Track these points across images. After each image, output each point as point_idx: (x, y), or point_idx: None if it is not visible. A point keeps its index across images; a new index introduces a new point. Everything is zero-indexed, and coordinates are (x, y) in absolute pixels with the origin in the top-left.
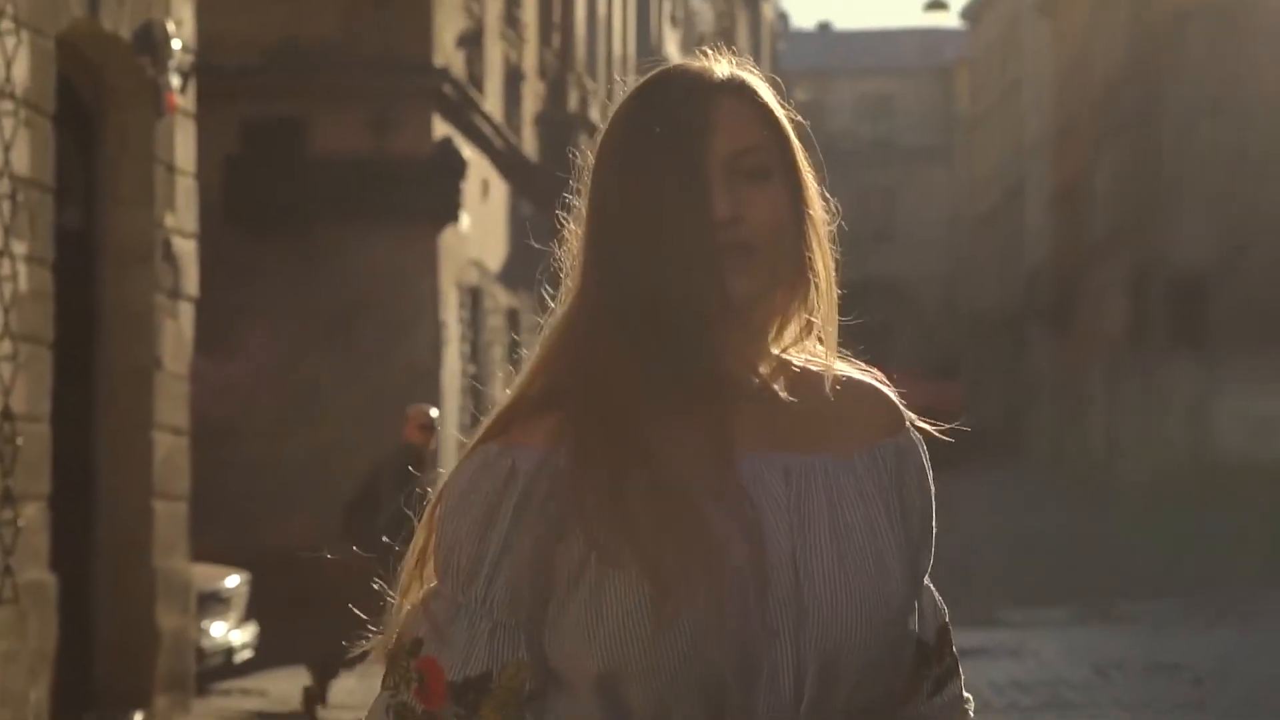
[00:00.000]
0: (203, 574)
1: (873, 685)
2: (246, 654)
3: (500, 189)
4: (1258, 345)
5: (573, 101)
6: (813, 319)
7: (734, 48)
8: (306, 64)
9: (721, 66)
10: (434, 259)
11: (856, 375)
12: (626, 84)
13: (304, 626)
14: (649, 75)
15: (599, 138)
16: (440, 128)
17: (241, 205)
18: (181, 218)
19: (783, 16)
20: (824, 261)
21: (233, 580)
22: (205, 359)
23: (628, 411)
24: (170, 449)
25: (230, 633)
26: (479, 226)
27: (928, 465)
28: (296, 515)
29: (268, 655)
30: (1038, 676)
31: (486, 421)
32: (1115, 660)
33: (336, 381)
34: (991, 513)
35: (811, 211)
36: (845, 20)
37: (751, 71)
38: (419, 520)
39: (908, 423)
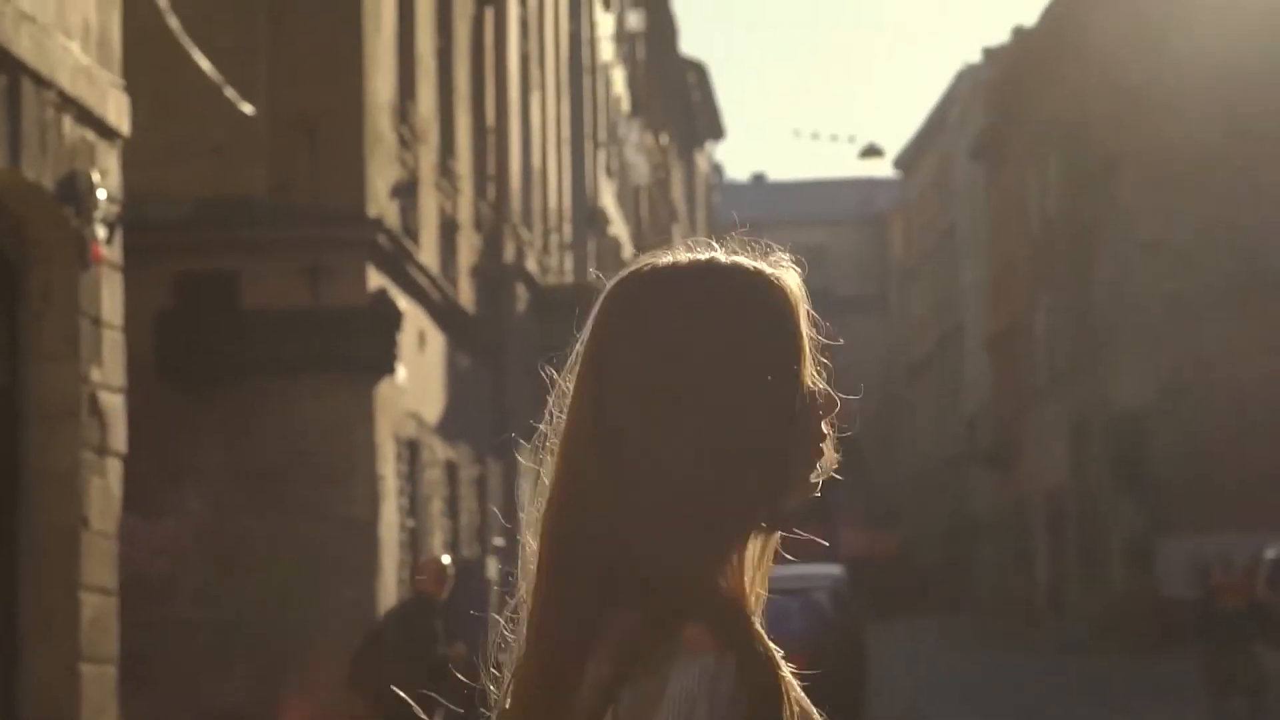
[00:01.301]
0: None
1: None
2: None
3: (437, 340)
4: (1199, 485)
5: (509, 253)
6: None
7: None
8: (238, 216)
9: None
10: (370, 411)
11: None
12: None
13: None
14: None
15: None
16: (375, 279)
17: (174, 360)
18: (108, 372)
19: (717, 168)
20: None
21: None
22: (137, 517)
23: None
24: (98, 610)
25: None
26: (416, 378)
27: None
28: (232, 674)
29: None
30: None
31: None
32: None
33: (272, 537)
34: (936, 659)
35: None
36: (779, 171)
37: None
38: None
39: None
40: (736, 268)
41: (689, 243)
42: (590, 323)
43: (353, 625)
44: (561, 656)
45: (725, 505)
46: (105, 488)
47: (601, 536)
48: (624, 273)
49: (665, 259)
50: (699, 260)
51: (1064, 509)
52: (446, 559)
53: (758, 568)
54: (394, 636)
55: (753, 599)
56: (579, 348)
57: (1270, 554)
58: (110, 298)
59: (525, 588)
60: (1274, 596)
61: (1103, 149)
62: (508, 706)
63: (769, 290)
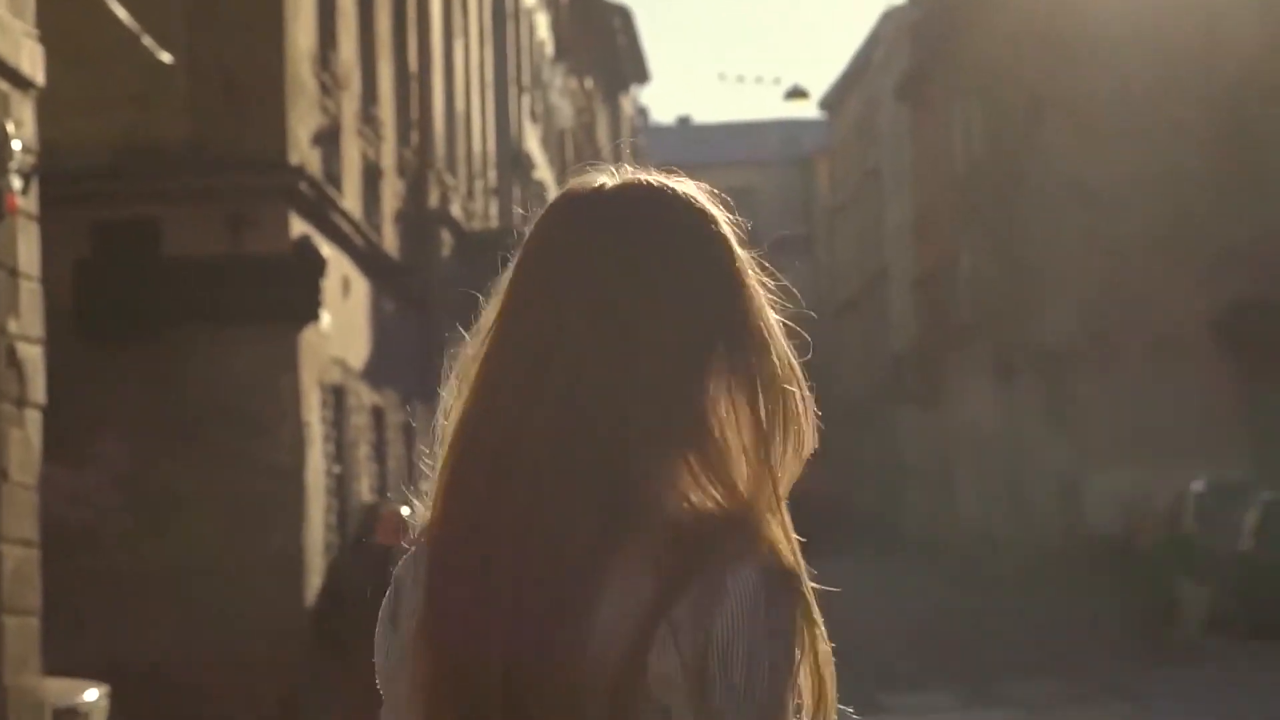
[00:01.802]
0: (59, 689)
1: None
2: None
3: (362, 287)
4: (1122, 422)
5: (433, 198)
6: None
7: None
8: (158, 164)
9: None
10: (294, 358)
11: None
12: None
13: None
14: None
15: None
16: (298, 226)
17: (94, 310)
18: (26, 323)
19: (642, 112)
20: None
21: (91, 694)
22: (58, 468)
23: None
24: (20, 562)
25: None
26: (341, 325)
27: None
28: (157, 626)
29: None
30: None
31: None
32: None
33: (196, 487)
34: (868, 597)
35: None
36: (705, 114)
37: None
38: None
39: None
40: (687, 196)
41: (621, 168)
42: (554, 241)
43: (280, 573)
44: (574, 588)
45: (707, 416)
46: (25, 439)
47: (600, 459)
48: (573, 190)
49: (609, 180)
50: (650, 183)
51: (991, 447)
52: (405, 510)
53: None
54: (355, 590)
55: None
56: (534, 260)
57: (1197, 487)
58: (27, 248)
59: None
60: (1201, 530)
61: (1028, 91)
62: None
63: (711, 216)
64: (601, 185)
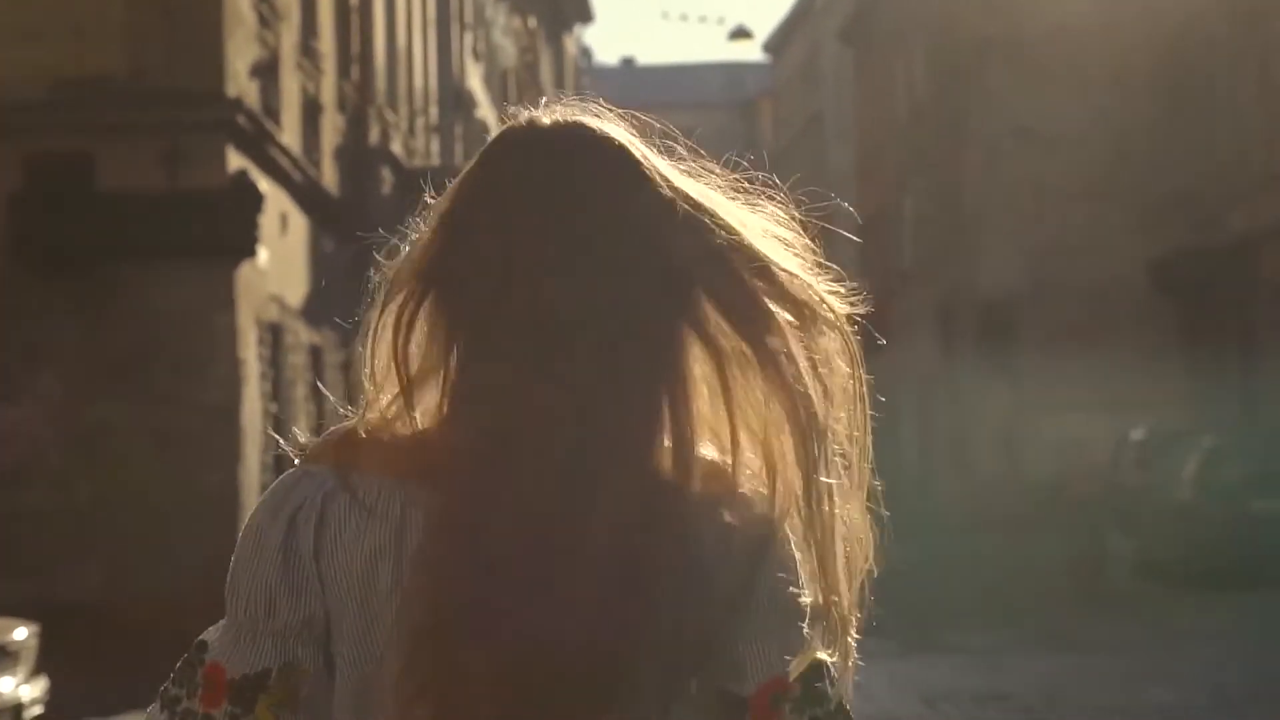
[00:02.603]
0: None
1: None
2: (36, 710)
3: (300, 223)
4: (1063, 369)
5: (374, 135)
6: None
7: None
8: (94, 97)
9: None
10: (231, 295)
11: None
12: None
13: None
14: None
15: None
16: (235, 160)
17: (27, 244)
18: None
19: (586, 52)
20: None
21: (20, 633)
22: None
23: None
24: None
25: (18, 688)
26: (279, 262)
27: None
28: (89, 564)
29: (60, 711)
30: (864, 711)
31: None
32: (944, 691)
33: (129, 424)
34: None
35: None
36: (648, 55)
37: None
38: None
39: None
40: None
41: (565, 102)
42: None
43: (215, 512)
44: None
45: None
46: None
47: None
48: (519, 126)
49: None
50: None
51: (933, 393)
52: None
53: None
54: None
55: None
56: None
57: (1136, 435)
58: None
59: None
60: (1139, 478)
61: (972, 35)
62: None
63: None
64: (543, 121)
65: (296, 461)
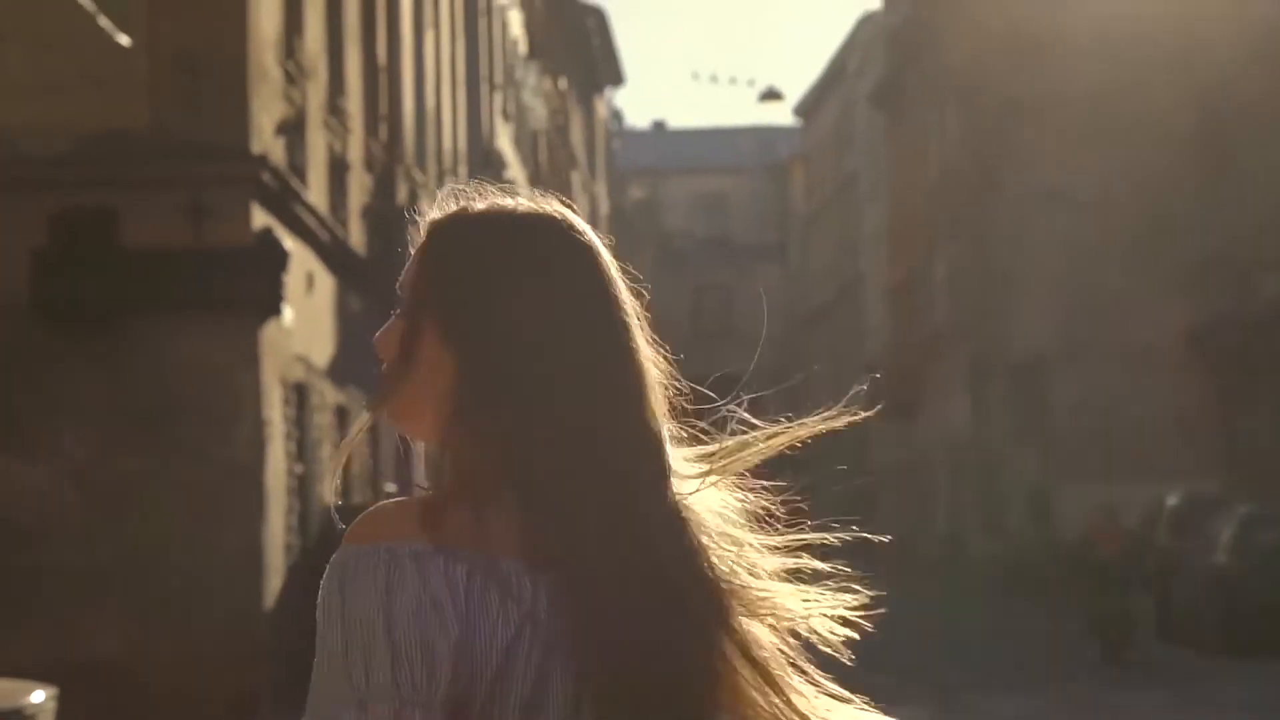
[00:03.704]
0: (2, 691)
1: None
2: None
3: (327, 282)
4: (1097, 432)
5: (402, 194)
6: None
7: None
8: (117, 152)
9: (440, 205)
10: (255, 353)
11: None
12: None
13: None
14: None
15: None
16: (260, 218)
17: (49, 299)
18: None
19: (617, 115)
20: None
21: (37, 696)
22: (11, 459)
23: None
24: None
25: None
26: (305, 321)
27: (326, 580)
28: (109, 623)
29: None
30: None
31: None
32: None
33: (152, 482)
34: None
35: (424, 353)
36: (679, 119)
37: (474, 206)
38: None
39: (344, 539)
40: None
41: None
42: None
43: (237, 573)
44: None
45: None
46: None
47: None
48: (451, 213)
49: (485, 203)
50: (530, 210)
51: (965, 457)
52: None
53: None
54: None
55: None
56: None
57: (1172, 501)
58: None
59: None
60: (1176, 543)
61: (1002, 96)
62: None
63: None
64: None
65: (339, 524)
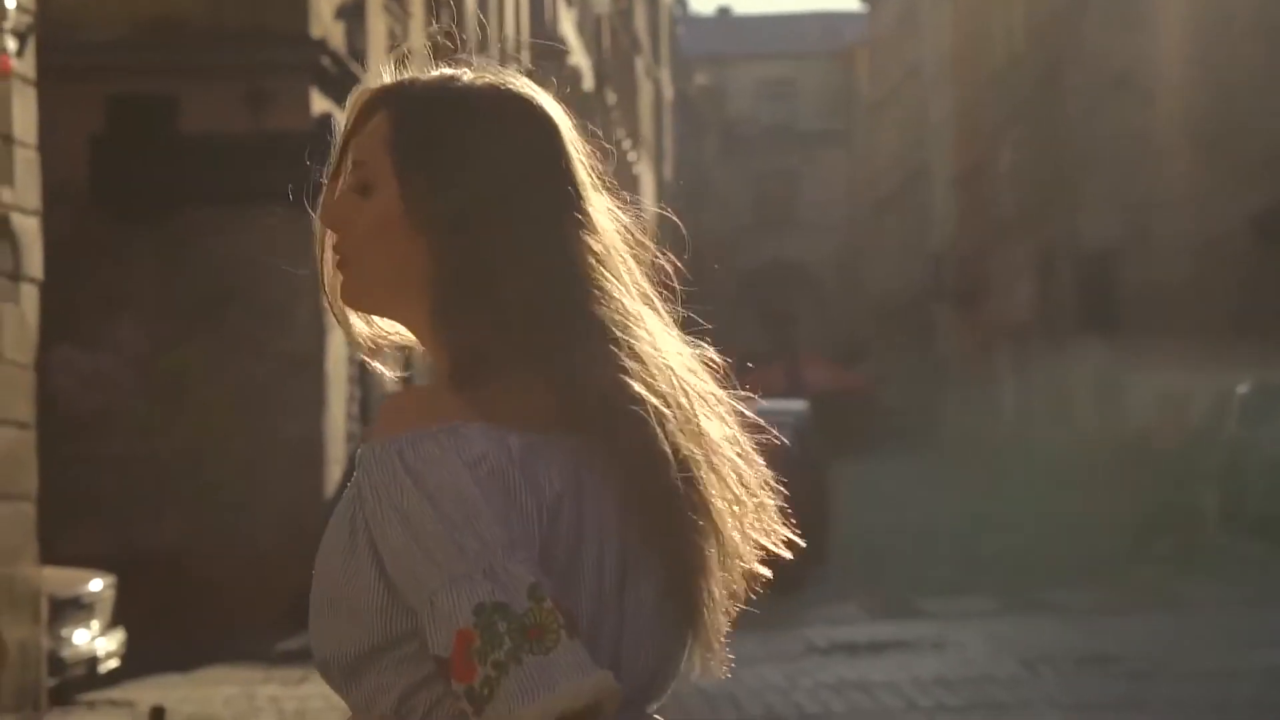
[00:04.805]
0: (61, 579)
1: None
2: (113, 663)
3: None
4: (1165, 323)
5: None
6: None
7: (630, 30)
8: (176, 38)
9: (388, 76)
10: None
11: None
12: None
13: None
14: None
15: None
16: (320, 103)
17: (109, 187)
18: (22, 193)
19: (681, 1)
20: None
21: (96, 584)
22: (70, 348)
23: None
24: (12, 445)
25: (94, 641)
26: None
27: (365, 483)
28: (169, 514)
29: (137, 663)
30: (963, 673)
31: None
32: (1044, 653)
33: (211, 372)
34: (906, 499)
35: (428, 225)
36: (744, 4)
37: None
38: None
39: (374, 435)
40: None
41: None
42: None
43: (298, 462)
44: None
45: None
46: (19, 316)
47: None
48: (410, 83)
49: (449, 73)
50: (490, 82)
51: (1031, 346)
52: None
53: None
54: None
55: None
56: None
57: (1242, 389)
58: (23, 114)
59: None
60: (1246, 433)
61: None
62: None
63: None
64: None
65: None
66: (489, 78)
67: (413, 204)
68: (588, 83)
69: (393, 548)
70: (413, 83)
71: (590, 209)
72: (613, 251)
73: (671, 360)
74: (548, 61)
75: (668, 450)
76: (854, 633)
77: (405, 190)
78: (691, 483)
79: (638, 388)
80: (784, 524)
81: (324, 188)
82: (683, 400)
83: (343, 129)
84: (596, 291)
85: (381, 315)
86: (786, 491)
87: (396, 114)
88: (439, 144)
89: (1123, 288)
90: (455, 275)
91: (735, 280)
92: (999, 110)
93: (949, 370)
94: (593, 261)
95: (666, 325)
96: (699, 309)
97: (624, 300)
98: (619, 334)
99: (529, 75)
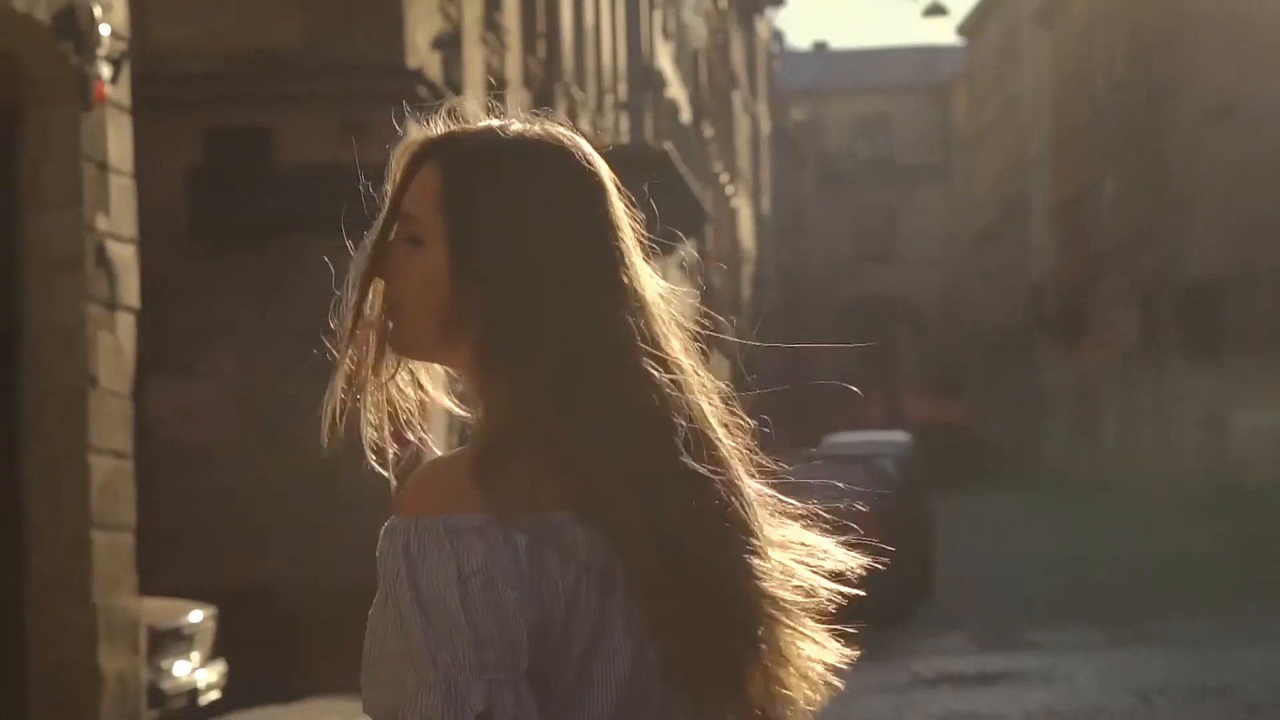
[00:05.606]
0: (161, 610)
1: None
2: (213, 695)
3: None
4: (1271, 353)
5: (560, 112)
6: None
7: (728, 66)
8: (273, 69)
9: (438, 128)
10: None
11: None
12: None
13: None
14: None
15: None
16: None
17: (206, 217)
18: (117, 221)
19: (778, 36)
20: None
21: (196, 616)
22: (171, 380)
23: None
24: (110, 474)
25: (195, 672)
26: None
27: (390, 553)
28: (269, 547)
29: (237, 695)
30: (1074, 704)
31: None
32: (1157, 685)
33: (312, 402)
34: (1009, 530)
35: (475, 281)
36: (841, 39)
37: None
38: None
39: (397, 506)
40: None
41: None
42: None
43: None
44: None
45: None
46: (115, 344)
47: None
48: (460, 133)
49: (496, 124)
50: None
51: (1134, 380)
52: None
53: None
54: None
55: None
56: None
57: None
58: (118, 141)
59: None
60: None
61: (1173, 10)
62: None
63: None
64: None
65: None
66: (537, 130)
67: (460, 261)
68: (685, 115)
69: (391, 630)
70: (462, 134)
71: (634, 271)
72: (655, 316)
73: (710, 431)
74: (645, 93)
75: (693, 530)
76: (961, 664)
77: (454, 248)
78: (727, 563)
79: (666, 465)
80: (862, 555)
81: (371, 237)
82: (719, 470)
83: (392, 179)
84: (634, 362)
85: (431, 362)
86: (890, 524)
87: (446, 168)
88: (487, 201)
89: (1226, 319)
90: (501, 332)
91: (835, 313)
92: (1100, 140)
93: (1050, 402)
94: (633, 326)
95: (707, 392)
96: (799, 343)
97: (659, 369)
98: (654, 405)
99: (626, 108)
